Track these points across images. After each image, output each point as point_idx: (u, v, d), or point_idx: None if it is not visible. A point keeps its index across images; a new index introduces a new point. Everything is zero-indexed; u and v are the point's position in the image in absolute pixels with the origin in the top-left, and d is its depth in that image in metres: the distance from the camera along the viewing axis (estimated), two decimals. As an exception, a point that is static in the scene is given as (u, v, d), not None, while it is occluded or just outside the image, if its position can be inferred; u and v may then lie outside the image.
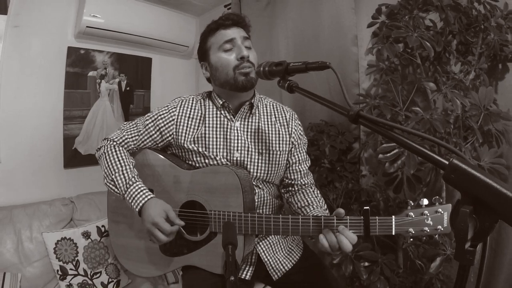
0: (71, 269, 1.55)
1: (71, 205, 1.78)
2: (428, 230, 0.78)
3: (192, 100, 1.12)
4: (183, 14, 2.44)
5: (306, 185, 1.14)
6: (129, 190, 0.98)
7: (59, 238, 1.58)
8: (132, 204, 0.97)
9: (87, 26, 1.90)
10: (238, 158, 1.06)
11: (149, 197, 0.97)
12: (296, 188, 1.14)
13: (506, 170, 1.25)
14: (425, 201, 0.80)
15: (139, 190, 0.98)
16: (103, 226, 1.70)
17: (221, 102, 1.08)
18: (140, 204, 0.96)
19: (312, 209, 1.05)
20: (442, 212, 0.78)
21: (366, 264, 1.38)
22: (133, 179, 1.00)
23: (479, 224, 0.46)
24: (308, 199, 1.09)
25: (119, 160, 1.03)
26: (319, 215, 0.91)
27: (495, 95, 1.36)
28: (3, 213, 1.57)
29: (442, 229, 0.78)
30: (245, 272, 1.06)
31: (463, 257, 0.46)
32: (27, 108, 1.80)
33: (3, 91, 1.71)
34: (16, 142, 1.77)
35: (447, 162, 0.48)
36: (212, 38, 1.06)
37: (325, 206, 1.09)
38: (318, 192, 1.14)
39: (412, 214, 0.79)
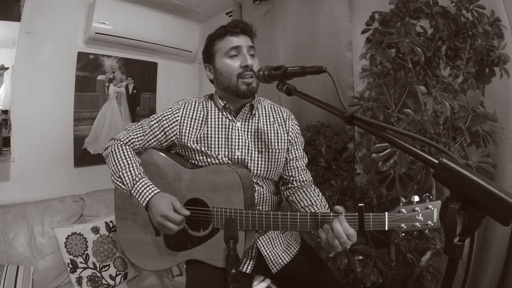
0: (81, 262, 1.55)
1: (81, 201, 1.78)
2: (419, 226, 0.78)
3: (195, 102, 1.12)
4: (187, 21, 2.43)
5: (306, 182, 1.14)
6: (135, 186, 0.98)
7: (70, 233, 1.58)
8: (139, 199, 0.97)
9: (96, 33, 1.90)
10: (239, 157, 1.06)
11: (155, 192, 0.97)
12: (296, 185, 1.13)
13: (493, 168, 1.25)
14: (416, 198, 0.79)
15: (145, 186, 0.98)
16: (111, 221, 1.70)
17: (222, 104, 1.08)
18: (147, 199, 0.95)
19: (316, 209, 1.04)
20: (432, 208, 0.78)
21: (360, 257, 1.38)
22: (139, 175, 1.00)
23: (467, 220, 0.46)
24: (312, 199, 1.08)
25: (125, 158, 1.03)
26: (317, 211, 0.91)
27: (482, 97, 1.36)
28: (17, 210, 1.57)
29: (432, 224, 0.77)
30: (245, 266, 1.06)
31: (452, 251, 0.46)
32: (39, 110, 1.80)
33: (16, 95, 1.71)
34: (29, 142, 1.77)
35: (437, 161, 0.48)
36: (220, 43, 1.05)
37: (327, 206, 1.08)
38: (318, 190, 1.13)
39: (404, 210, 0.79)
